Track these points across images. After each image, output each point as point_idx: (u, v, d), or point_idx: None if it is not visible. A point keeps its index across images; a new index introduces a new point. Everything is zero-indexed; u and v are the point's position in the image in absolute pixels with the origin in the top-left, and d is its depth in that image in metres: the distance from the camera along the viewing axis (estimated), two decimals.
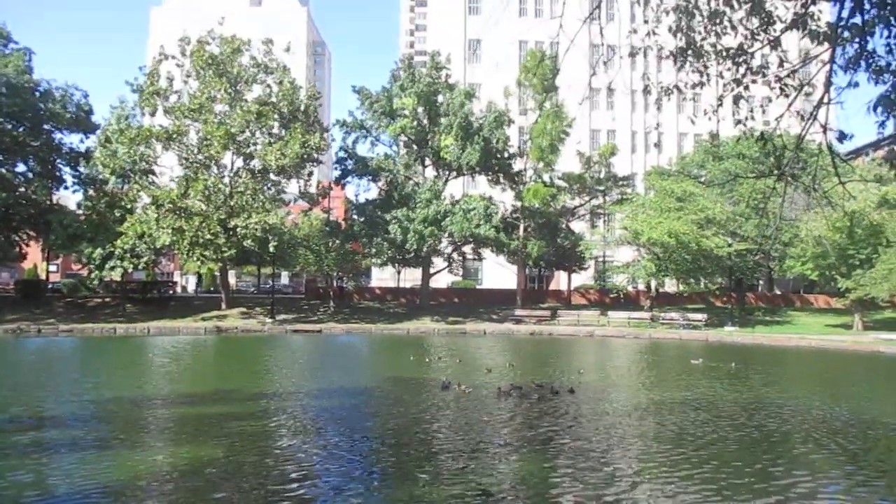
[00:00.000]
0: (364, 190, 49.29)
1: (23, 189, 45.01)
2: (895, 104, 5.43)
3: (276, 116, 42.02)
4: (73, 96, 44.09)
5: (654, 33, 6.87)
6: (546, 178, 45.99)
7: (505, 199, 48.45)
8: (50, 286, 51.26)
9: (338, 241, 45.56)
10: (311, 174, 46.68)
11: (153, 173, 42.82)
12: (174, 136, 39.38)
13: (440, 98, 45.11)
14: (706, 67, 6.92)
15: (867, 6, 5.61)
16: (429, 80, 44.44)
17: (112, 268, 38.65)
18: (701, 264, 40.46)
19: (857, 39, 5.73)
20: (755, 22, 6.58)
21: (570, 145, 48.08)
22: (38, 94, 42.63)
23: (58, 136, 44.86)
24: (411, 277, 58.36)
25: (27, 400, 14.30)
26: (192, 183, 38.51)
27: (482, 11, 67.13)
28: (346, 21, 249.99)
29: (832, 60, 5.90)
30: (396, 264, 48.49)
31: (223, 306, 42.97)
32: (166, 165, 42.81)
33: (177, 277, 68.68)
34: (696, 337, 35.63)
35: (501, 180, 47.44)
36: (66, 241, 41.20)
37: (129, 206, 40.11)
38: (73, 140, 47.04)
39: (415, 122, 44.08)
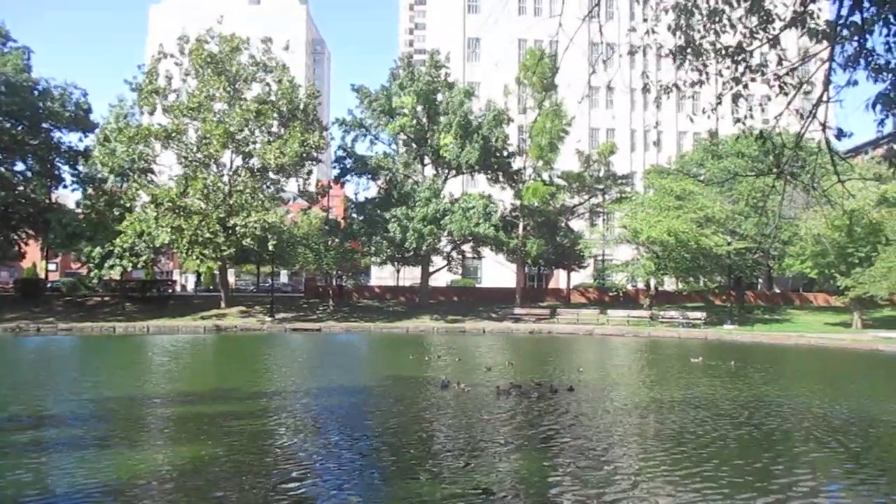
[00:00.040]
0: (363, 188, 49.36)
1: (22, 188, 45.00)
2: (894, 102, 5.43)
3: (275, 115, 42.01)
4: (72, 95, 44.05)
5: (654, 32, 6.88)
6: (545, 176, 46.02)
7: (504, 198, 48.46)
8: (49, 285, 51.29)
9: (337, 240, 45.56)
10: (310, 173, 46.71)
11: (152, 172, 42.83)
12: (173, 134, 39.35)
13: (439, 97, 45.11)
14: (705, 66, 6.92)
15: (866, 4, 5.61)
16: (428, 78, 44.44)
17: (111, 266, 38.70)
18: (700, 263, 40.49)
19: (856, 37, 5.73)
20: (754, 20, 6.58)
21: (570, 144, 48.12)
22: (36, 92, 42.58)
23: (57, 134, 44.87)
24: (410, 276, 58.38)
25: (26, 399, 14.28)
26: (191, 181, 38.49)
27: (481, 10, 67.13)
28: (346, 20, 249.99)
29: (831, 59, 5.90)
30: (396, 263, 48.51)
31: (222, 305, 42.98)
32: (165, 164, 42.81)
33: (176, 276, 68.68)
34: (696, 335, 35.66)
35: (501, 179, 47.45)
36: (65, 240, 41.20)
37: (128, 205, 40.10)
38: (71, 139, 47.17)
39: (414, 121, 44.07)
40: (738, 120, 6.99)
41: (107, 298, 44.54)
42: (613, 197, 49.81)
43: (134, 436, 10.98)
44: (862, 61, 5.73)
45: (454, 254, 49.67)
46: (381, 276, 70.99)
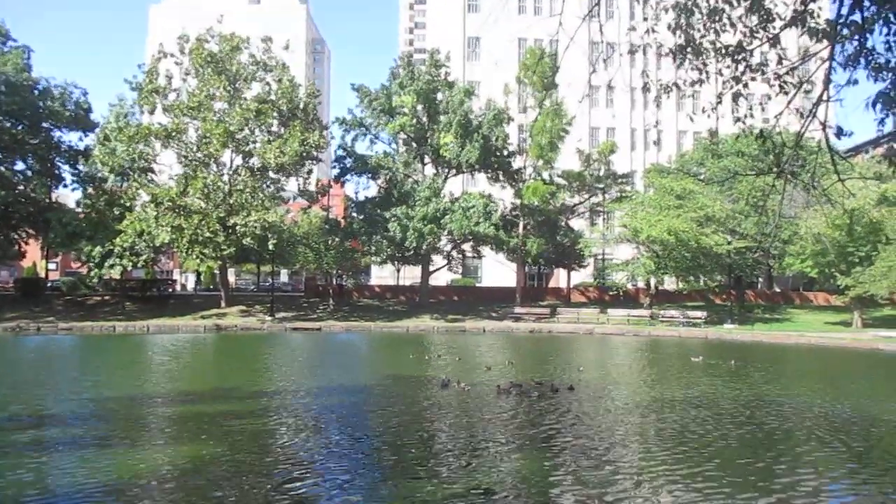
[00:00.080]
0: (363, 188, 49.30)
1: (22, 187, 44.98)
2: (894, 101, 5.43)
3: (275, 114, 41.99)
4: (72, 94, 44.01)
5: (654, 31, 6.88)
6: (545, 175, 46.00)
7: (504, 197, 48.43)
8: (49, 284, 51.28)
9: (337, 239, 45.56)
10: (310, 172, 46.68)
11: (152, 171, 42.80)
12: (173, 134, 39.34)
13: (439, 96, 45.08)
14: (705, 65, 6.92)
15: (866, 3, 5.61)
16: (428, 77, 44.42)
17: (111, 266, 38.68)
18: (700, 262, 40.49)
19: (856, 36, 5.73)
20: (754, 19, 6.58)
21: (570, 143, 48.10)
22: (37, 92, 42.56)
23: (57, 134, 44.85)
24: (411, 275, 58.37)
25: (27, 398, 14.28)
26: (191, 181, 38.49)
27: (481, 9, 67.10)
28: (346, 19, 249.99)
29: (831, 58, 5.90)
30: (396, 262, 48.52)
31: (223, 304, 42.97)
32: (165, 163, 42.80)
33: (176, 275, 68.71)
34: (696, 334, 35.67)
35: (501, 178, 47.42)
36: (65, 240, 41.20)
37: (128, 204, 40.08)
38: (72, 138, 47.19)
39: (414, 120, 44.05)
40: (738, 119, 6.98)
41: (107, 298, 44.54)
42: (614, 196, 49.79)
43: (134, 435, 10.99)
44: (862, 60, 5.73)
45: (454, 253, 49.66)
46: (382, 275, 70.98)
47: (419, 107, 44.42)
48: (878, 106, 5.43)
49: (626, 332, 36.81)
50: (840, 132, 6.07)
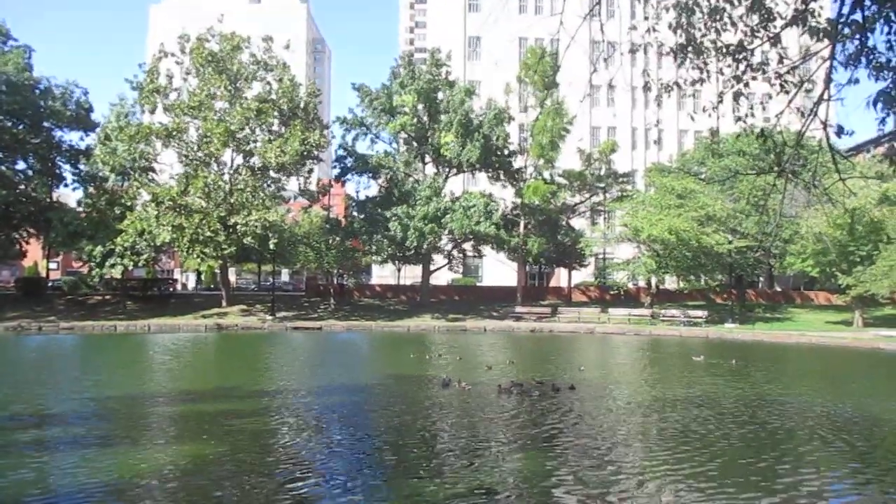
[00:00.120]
0: (364, 187, 49.27)
1: (23, 187, 45.01)
2: (895, 100, 5.42)
3: (275, 114, 41.99)
4: (73, 94, 44.07)
5: (655, 30, 6.87)
6: (546, 174, 45.97)
7: (505, 196, 48.41)
8: (50, 284, 51.27)
9: (338, 239, 45.56)
10: (311, 171, 46.68)
11: (153, 171, 42.85)
12: (174, 133, 39.36)
13: (440, 95, 45.05)
14: (706, 64, 6.92)
15: (867, 2, 5.60)
16: (429, 77, 44.38)
17: (112, 265, 38.73)
18: (701, 261, 40.47)
19: (857, 36, 5.72)
20: (755, 18, 6.57)
21: (571, 142, 48.05)
22: (37, 91, 42.61)
23: (58, 133, 44.91)
24: (411, 275, 58.36)
25: (28, 398, 14.30)
26: (191, 180, 38.51)
27: (482, 9, 67.06)
28: (346, 19, 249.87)
29: (832, 57, 5.89)
30: (397, 261, 48.51)
31: (223, 304, 43.00)
32: (166, 163, 42.82)
33: (177, 275, 68.68)
34: (697, 334, 35.65)
35: (502, 177, 47.38)
36: (66, 239, 41.25)
37: (129, 204, 40.11)
38: (72, 138, 47.17)
39: (415, 120, 44.02)
40: (738, 118, 6.98)
41: (108, 297, 44.57)
42: (614, 195, 49.74)
43: (136, 435, 10.99)
44: (863, 59, 5.72)
45: (455, 252, 49.63)
46: (382, 274, 70.94)
47: (420, 106, 44.39)
48: (879, 105, 5.43)
49: (627, 331, 36.80)
50: (841, 131, 6.06)
